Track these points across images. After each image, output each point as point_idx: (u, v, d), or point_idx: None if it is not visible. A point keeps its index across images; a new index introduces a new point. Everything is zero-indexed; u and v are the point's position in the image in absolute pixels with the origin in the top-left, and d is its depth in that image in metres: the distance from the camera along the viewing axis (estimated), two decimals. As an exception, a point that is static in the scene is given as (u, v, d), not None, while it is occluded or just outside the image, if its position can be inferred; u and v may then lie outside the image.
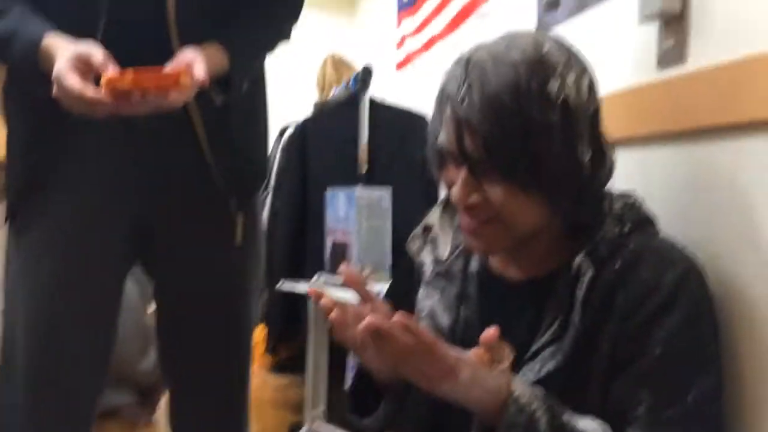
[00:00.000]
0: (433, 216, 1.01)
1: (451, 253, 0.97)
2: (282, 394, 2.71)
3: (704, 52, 0.96)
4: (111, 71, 0.95)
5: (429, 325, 0.95)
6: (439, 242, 0.98)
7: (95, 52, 0.96)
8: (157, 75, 0.96)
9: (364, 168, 2.26)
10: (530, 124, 0.77)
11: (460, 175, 0.83)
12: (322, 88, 3.19)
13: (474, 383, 0.73)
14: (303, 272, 2.23)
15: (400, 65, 2.94)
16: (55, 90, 0.95)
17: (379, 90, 2.47)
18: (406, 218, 2.25)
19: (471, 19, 2.06)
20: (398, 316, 0.71)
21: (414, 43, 2.74)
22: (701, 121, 0.94)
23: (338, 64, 3.15)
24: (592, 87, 0.83)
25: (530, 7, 1.57)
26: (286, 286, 2.16)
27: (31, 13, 1.03)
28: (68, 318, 1.10)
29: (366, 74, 2.27)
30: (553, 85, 0.78)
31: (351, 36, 4.23)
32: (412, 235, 1.02)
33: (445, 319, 0.94)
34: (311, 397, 2.13)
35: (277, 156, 2.56)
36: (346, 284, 0.83)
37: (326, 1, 4.13)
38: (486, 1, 1.95)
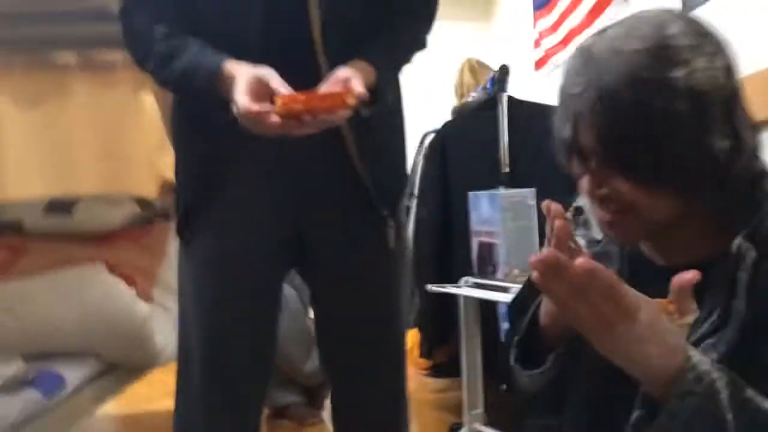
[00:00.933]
0: (583, 198, 0.99)
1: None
2: (440, 396, 2.73)
3: None
4: (284, 93, 1.02)
5: None
6: (591, 224, 0.96)
7: (271, 75, 1.04)
8: (325, 96, 1.03)
9: (506, 169, 2.24)
10: (650, 114, 0.73)
11: (586, 173, 0.80)
12: (461, 94, 3.20)
13: (652, 333, 0.66)
14: (450, 276, 2.25)
15: (539, 64, 2.90)
16: (233, 109, 1.04)
17: (519, 92, 2.45)
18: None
19: (611, 8, 2.00)
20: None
21: (551, 40, 2.69)
22: None
23: (475, 68, 3.15)
24: (728, 70, 0.76)
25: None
26: (434, 288, 2.18)
27: (204, 45, 1.11)
28: (235, 327, 1.18)
29: (503, 73, 2.25)
30: (678, 72, 0.73)
31: (487, 41, 4.23)
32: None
33: None
34: (468, 398, 2.14)
35: (420, 163, 2.60)
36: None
37: (461, 8, 4.16)
38: (625, -12, 1.89)
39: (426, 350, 2.54)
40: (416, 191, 2.57)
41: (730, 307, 0.76)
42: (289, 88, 1.03)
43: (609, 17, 2.00)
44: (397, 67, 1.22)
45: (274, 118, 1.01)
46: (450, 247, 2.36)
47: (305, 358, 2.42)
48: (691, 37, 0.75)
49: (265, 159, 1.16)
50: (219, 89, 1.06)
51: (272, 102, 1.02)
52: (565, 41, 2.50)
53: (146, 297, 1.85)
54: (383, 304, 1.25)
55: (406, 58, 1.23)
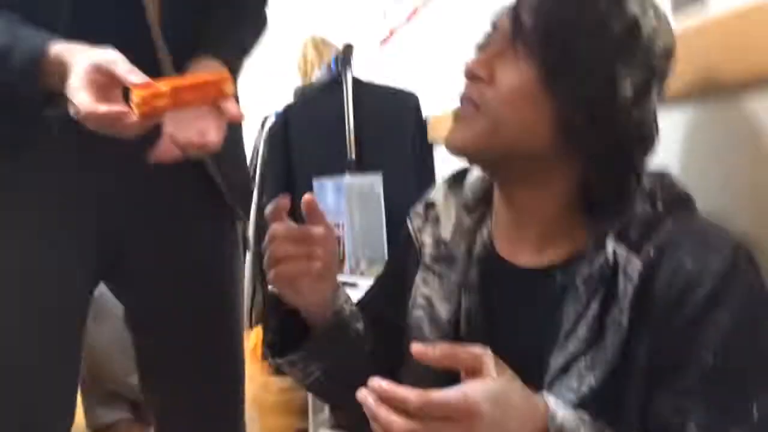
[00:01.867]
0: (438, 192, 0.89)
1: (454, 233, 0.85)
2: (285, 398, 2.62)
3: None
4: (138, 83, 0.80)
5: (425, 315, 0.84)
6: (441, 221, 0.86)
7: (116, 59, 0.82)
8: (195, 86, 0.83)
9: (352, 155, 2.13)
10: (590, 13, 0.70)
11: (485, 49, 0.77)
12: (304, 72, 3.05)
13: (502, 413, 0.58)
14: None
15: (384, 42, 2.80)
16: (72, 110, 0.82)
17: (364, 71, 2.34)
18: (399, 204, 2.15)
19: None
20: (376, 384, 0.58)
21: (396, 18, 2.60)
22: (723, 74, 0.81)
23: (319, 45, 3.01)
24: (669, 50, 0.73)
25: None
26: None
27: (20, 22, 0.88)
28: (28, 342, 0.98)
29: (347, 52, 2.13)
30: (634, 7, 0.71)
31: (331, 16, 4.09)
32: (412, 211, 0.91)
33: (443, 310, 0.82)
34: (313, 400, 2.02)
35: (260, 148, 2.43)
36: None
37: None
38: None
39: (267, 351, 2.39)
40: (257, 178, 2.41)
41: (603, 320, 0.67)
42: (141, 74, 0.81)
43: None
44: (245, 56, 1.08)
45: (132, 119, 0.80)
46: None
47: (131, 370, 2.19)
48: (655, 5, 0.74)
49: (71, 146, 0.96)
50: (44, 76, 0.84)
51: (125, 96, 0.81)
52: (409, 17, 2.41)
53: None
54: (221, 313, 1.11)
55: (252, 44, 1.10)
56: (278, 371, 2.72)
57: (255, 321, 2.35)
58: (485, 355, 0.61)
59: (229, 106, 0.89)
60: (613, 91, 0.70)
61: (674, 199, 0.72)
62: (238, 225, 1.16)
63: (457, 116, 0.76)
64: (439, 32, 2.12)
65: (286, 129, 2.23)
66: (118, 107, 0.80)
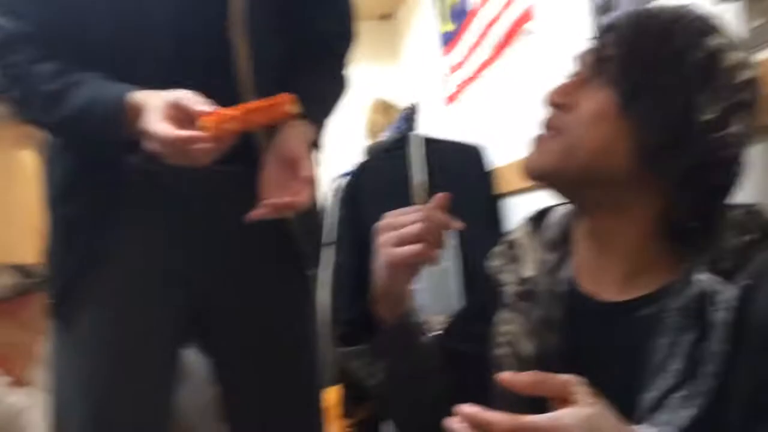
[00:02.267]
0: (519, 231, 0.90)
1: (536, 271, 0.84)
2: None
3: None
4: (207, 111, 0.86)
5: (510, 353, 0.83)
6: (523, 260, 0.86)
7: (188, 95, 0.88)
8: (261, 108, 0.87)
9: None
10: (671, 43, 0.72)
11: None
12: (373, 133, 3.12)
13: None
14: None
15: (450, 99, 2.85)
16: (147, 143, 0.88)
17: (432, 129, 2.38)
18: (470, 257, 2.14)
19: (517, 40, 1.95)
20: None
21: (461, 75, 2.64)
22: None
23: (385, 107, 3.07)
24: (753, 82, 0.73)
25: (581, 15, 1.45)
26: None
27: (104, 78, 0.95)
28: (122, 414, 1.02)
29: (412, 111, 2.17)
30: (715, 40, 0.73)
31: (397, 81, 4.19)
32: (493, 251, 0.91)
33: (528, 347, 0.81)
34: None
35: (334, 208, 2.48)
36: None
37: (368, 49, 4.10)
38: (530, 18, 1.84)
39: (348, 408, 2.38)
40: (333, 238, 2.45)
41: (698, 352, 0.65)
42: (211, 104, 0.87)
43: (516, 49, 1.96)
44: (329, 115, 1.13)
45: (207, 142, 0.85)
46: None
47: (214, 432, 2.21)
48: (738, 42, 0.75)
49: (157, 219, 1.01)
50: (125, 124, 0.90)
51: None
52: (474, 76, 2.45)
53: (22, 382, 1.63)
54: (305, 365, 1.13)
55: (336, 104, 1.15)
56: (358, 430, 2.69)
57: (330, 380, 2.35)
58: (576, 382, 0.60)
59: (303, 167, 0.94)
60: (689, 117, 0.71)
61: (765, 228, 0.70)
62: (313, 280, 1.18)
63: (535, 142, 0.78)
64: (501, 87, 2.15)
65: (357, 187, 2.28)
66: (195, 132, 0.84)
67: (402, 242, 0.77)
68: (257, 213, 0.94)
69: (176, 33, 0.97)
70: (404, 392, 0.81)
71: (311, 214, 1.12)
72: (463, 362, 0.90)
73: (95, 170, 0.97)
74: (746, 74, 0.72)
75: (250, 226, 1.01)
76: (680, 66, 0.71)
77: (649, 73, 0.72)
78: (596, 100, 0.74)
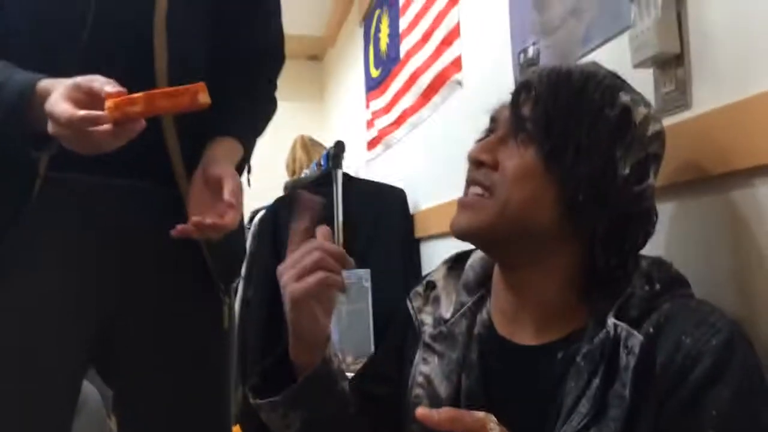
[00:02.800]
0: (438, 273, 0.91)
1: (455, 312, 0.86)
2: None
3: (708, 95, 0.88)
4: (113, 92, 0.81)
5: (425, 394, 0.84)
6: (442, 301, 0.88)
7: (93, 77, 0.84)
8: (170, 93, 0.83)
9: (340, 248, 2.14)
10: (586, 102, 0.75)
11: (488, 138, 0.80)
12: (293, 170, 3.11)
13: None
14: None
15: (372, 144, 2.88)
16: (50, 127, 0.83)
17: (353, 169, 2.39)
18: (386, 299, 2.14)
19: (443, 89, 2.00)
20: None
21: (384, 121, 2.69)
22: (712, 169, 0.85)
23: (308, 145, 3.09)
24: (659, 135, 0.79)
25: (506, 69, 1.51)
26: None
27: (12, 66, 0.91)
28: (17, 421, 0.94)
29: (338, 149, 2.19)
30: (625, 96, 0.77)
31: (321, 123, 4.22)
32: (413, 291, 0.92)
33: (443, 389, 0.82)
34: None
35: (248, 242, 2.44)
36: None
37: (294, 89, 4.14)
38: (459, 70, 1.90)
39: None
40: (243, 271, 2.40)
41: (605, 395, 0.67)
42: (118, 86, 0.83)
43: (442, 97, 2.01)
44: (258, 136, 1.13)
45: (106, 125, 0.80)
46: (279, 333, 2.19)
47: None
48: (643, 96, 0.80)
49: (67, 232, 0.96)
50: (31, 111, 0.85)
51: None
52: (398, 122, 2.50)
53: None
54: (213, 399, 1.09)
55: (265, 125, 1.16)
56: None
57: (235, 419, 2.27)
58: (489, 420, 0.61)
59: (226, 191, 0.93)
60: (612, 170, 0.74)
61: (671, 280, 0.74)
62: (226, 309, 1.15)
63: (464, 202, 0.80)
64: (426, 134, 2.20)
65: (275, 222, 2.25)
66: (94, 112, 0.80)
67: (303, 275, 0.77)
68: (181, 230, 0.91)
69: (97, 25, 0.95)
70: None
71: (231, 238, 1.10)
72: (379, 405, 0.90)
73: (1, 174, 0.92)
74: (655, 127, 0.78)
75: (165, 245, 0.99)
76: (597, 122, 0.74)
77: (567, 131, 0.74)
78: (520, 159, 0.76)
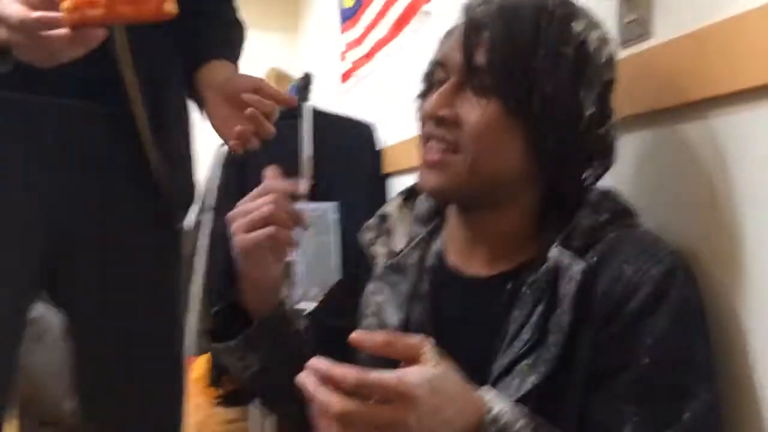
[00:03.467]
0: (392, 205, 0.91)
1: (407, 244, 0.86)
2: (230, 428, 2.54)
3: (670, 25, 0.86)
4: None
5: (375, 323, 0.84)
6: (395, 233, 0.88)
7: None
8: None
9: (307, 182, 2.13)
10: (542, 42, 0.71)
11: (440, 89, 0.75)
12: (264, 103, 3.06)
13: (439, 400, 0.58)
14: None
15: (345, 77, 2.83)
16: (2, 32, 0.77)
17: (324, 105, 2.35)
18: (353, 233, 2.14)
19: (414, 20, 1.96)
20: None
21: (357, 53, 2.63)
22: (670, 101, 0.84)
23: (279, 77, 3.01)
24: (612, 58, 0.76)
25: None
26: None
27: None
28: None
29: (306, 81, 2.15)
30: (578, 25, 0.73)
31: (294, 52, 4.13)
32: (365, 225, 0.92)
33: (393, 318, 0.83)
34: (253, 430, 1.98)
35: (218, 174, 2.41)
36: None
37: (268, 17, 4.04)
38: (428, 1, 1.85)
39: (214, 377, 2.33)
40: (213, 203, 2.38)
41: (546, 322, 0.68)
42: None
43: (413, 29, 1.97)
44: (237, 60, 1.12)
45: (62, 30, 0.74)
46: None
47: (66, 395, 2.11)
48: (591, 15, 0.77)
49: (14, 153, 0.93)
50: None
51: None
52: (369, 54, 2.45)
53: None
54: (167, 323, 1.09)
55: (240, 50, 1.14)
56: (223, 402, 2.65)
57: (202, 349, 2.29)
58: (424, 345, 0.62)
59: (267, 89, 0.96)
60: (577, 112, 0.72)
61: (618, 210, 0.74)
62: (181, 239, 1.15)
63: (430, 161, 0.76)
64: (396, 67, 2.16)
65: (243, 155, 2.22)
66: (51, 13, 0.75)
67: (253, 227, 0.76)
68: (240, 133, 0.95)
69: None
70: (279, 380, 0.79)
71: (184, 167, 1.09)
72: (337, 337, 0.90)
73: None
74: (608, 51, 0.75)
75: (117, 170, 0.96)
76: (557, 64, 0.71)
77: (529, 79, 0.71)
78: (481, 112, 0.73)
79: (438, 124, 0.75)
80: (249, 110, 0.96)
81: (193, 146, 1.15)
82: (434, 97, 0.76)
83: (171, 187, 1.04)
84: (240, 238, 0.77)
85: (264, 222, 0.76)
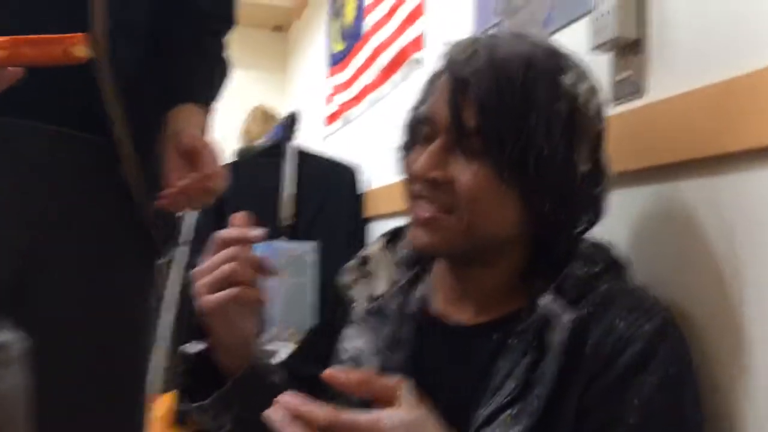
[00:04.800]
0: (374, 248, 0.88)
1: (389, 289, 0.83)
2: (191, 471, 2.44)
3: (665, 84, 0.87)
4: None
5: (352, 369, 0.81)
6: (376, 277, 0.85)
7: None
8: (40, 41, 0.72)
9: (288, 221, 2.11)
10: (534, 102, 0.68)
11: (429, 148, 0.71)
12: (247, 141, 3.05)
13: None
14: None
15: (331, 119, 2.84)
16: None
17: (308, 143, 2.36)
18: (330, 275, 2.11)
19: (404, 67, 1.97)
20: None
21: (344, 96, 2.65)
22: (663, 158, 0.85)
23: (264, 116, 3.02)
24: (600, 109, 0.74)
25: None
26: (197, 345, 1.94)
27: None
28: None
29: (292, 119, 2.14)
30: (568, 78, 0.71)
31: (282, 95, 4.15)
32: (344, 266, 0.88)
33: (372, 363, 0.80)
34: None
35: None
36: None
37: (256, 57, 4.07)
38: (419, 49, 1.87)
39: (179, 416, 2.26)
40: (190, 238, 2.34)
41: (533, 373, 0.66)
42: None
43: (402, 74, 1.98)
44: (215, 100, 1.09)
45: None
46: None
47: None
48: (580, 64, 0.75)
49: None
50: None
51: None
52: (358, 97, 2.46)
53: None
54: (133, 353, 1.04)
55: (221, 89, 1.11)
56: (186, 442, 2.56)
57: (167, 386, 2.22)
58: (401, 386, 0.59)
59: (207, 159, 0.93)
60: (573, 171, 0.70)
61: (611, 262, 0.73)
62: (159, 274, 1.12)
63: (423, 219, 0.73)
64: (383, 112, 2.17)
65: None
66: None
67: (216, 287, 0.71)
68: (169, 196, 0.92)
69: None
70: None
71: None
72: (313, 385, 0.87)
73: None
74: (596, 101, 0.73)
75: (97, 199, 0.94)
76: (550, 124, 0.69)
77: (522, 141, 0.68)
78: (473, 175, 0.70)
79: (429, 186, 0.72)
80: (182, 183, 0.93)
81: None
82: (423, 157, 0.72)
83: (154, 220, 1.01)
84: (204, 300, 0.72)
85: (227, 281, 0.71)
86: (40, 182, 0.94)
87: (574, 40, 1.03)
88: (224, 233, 0.73)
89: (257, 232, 0.73)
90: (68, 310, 0.97)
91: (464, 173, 0.70)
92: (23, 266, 0.95)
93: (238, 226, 0.74)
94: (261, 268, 0.74)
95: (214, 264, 0.72)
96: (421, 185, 0.73)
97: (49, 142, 0.94)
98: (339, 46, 2.80)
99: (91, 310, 0.98)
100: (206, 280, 0.72)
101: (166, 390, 2.20)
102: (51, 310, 0.98)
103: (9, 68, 0.72)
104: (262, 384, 0.81)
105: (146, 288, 1.08)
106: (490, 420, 0.67)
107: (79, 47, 0.72)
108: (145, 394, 1.09)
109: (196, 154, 0.96)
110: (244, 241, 0.72)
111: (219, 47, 1.13)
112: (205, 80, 1.09)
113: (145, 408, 1.09)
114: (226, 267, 0.71)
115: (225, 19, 1.14)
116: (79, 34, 0.73)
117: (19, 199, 0.93)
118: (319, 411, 0.54)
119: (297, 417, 0.54)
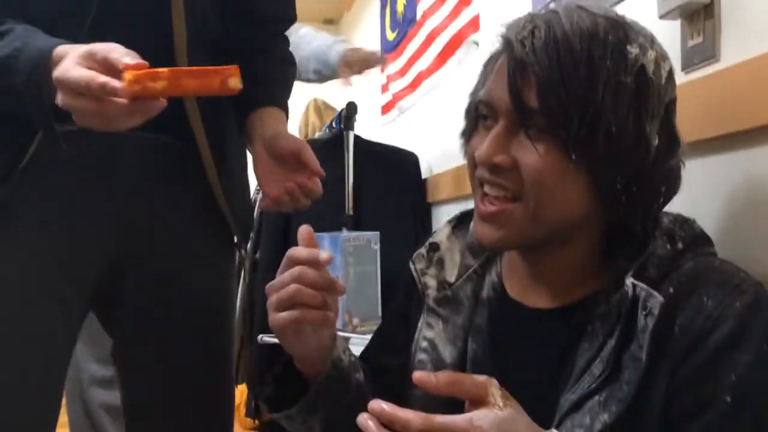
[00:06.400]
0: (442, 234, 0.87)
1: (460, 275, 0.82)
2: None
3: (738, 48, 0.83)
4: (132, 64, 0.73)
5: (429, 359, 0.81)
6: (446, 263, 0.84)
7: (112, 46, 0.75)
8: (199, 72, 0.75)
9: (350, 211, 2.12)
10: (599, 76, 0.65)
11: (491, 133, 0.69)
12: (305, 134, 3.08)
13: None
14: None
15: (385, 109, 2.84)
16: (59, 98, 0.76)
17: (367, 133, 2.36)
18: (395, 264, 2.12)
19: (460, 50, 1.95)
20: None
21: (399, 84, 2.64)
22: (741, 124, 0.81)
23: (320, 108, 3.05)
24: (671, 75, 0.70)
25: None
26: (267, 338, 1.97)
27: (35, 30, 0.84)
28: (5, 390, 0.91)
29: (350, 110, 2.15)
30: (633, 48, 0.67)
31: (336, 88, 4.16)
32: (416, 253, 0.87)
33: (447, 353, 0.80)
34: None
35: (258, 202, 2.42)
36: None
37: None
38: (476, 30, 1.85)
39: (253, 408, 2.31)
40: (253, 232, 2.38)
41: (620, 357, 0.64)
42: (139, 57, 0.75)
43: (458, 59, 1.96)
44: (288, 100, 1.12)
45: (124, 96, 0.72)
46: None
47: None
48: (646, 32, 0.70)
49: (81, 180, 0.94)
50: (47, 78, 0.77)
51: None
52: (413, 85, 2.45)
53: None
54: (218, 350, 1.06)
55: (291, 88, 1.14)
56: (261, 430, 2.62)
57: (241, 379, 2.28)
58: (490, 384, 0.59)
59: (311, 161, 0.97)
60: (645, 146, 0.67)
61: (694, 238, 0.70)
62: (238, 266, 1.15)
63: (487, 214, 0.71)
64: (441, 97, 2.15)
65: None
66: (112, 80, 0.72)
67: (282, 306, 0.73)
68: (274, 197, 0.96)
69: None
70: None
71: (240, 194, 1.08)
72: (391, 376, 0.87)
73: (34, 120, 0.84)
74: (666, 68, 0.70)
75: (180, 199, 0.96)
76: (618, 97, 0.65)
77: (589, 117, 0.65)
78: (540, 157, 0.67)
79: (493, 171, 0.70)
80: (290, 185, 0.98)
81: (246, 175, 1.15)
82: (486, 142, 0.70)
83: (234, 219, 1.03)
84: (272, 318, 0.73)
85: (292, 301, 0.72)
86: (132, 188, 0.97)
87: (640, 9, 1.00)
88: (295, 252, 0.73)
89: (325, 255, 0.73)
90: (156, 308, 1.00)
91: (529, 156, 0.67)
92: (120, 267, 0.98)
93: (305, 239, 0.75)
94: (331, 288, 0.74)
95: (281, 283, 0.73)
96: (484, 170, 0.71)
97: (138, 148, 0.97)
98: (392, 35, 2.79)
99: (178, 310, 1.01)
100: (273, 298, 0.73)
101: (237, 382, 2.26)
102: (142, 306, 1.01)
103: (161, 99, 0.75)
104: (344, 386, 0.81)
105: (231, 279, 1.10)
106: (577, 406, 0.65)
107: (234, 79, 0.75)
108: (233, 381, 1.13)
109: (298, 156, 0.97)
110: (314, 265, 0.72)
111: (287, 47, 1.15)
112: (283, 83, 1.11)
113: (231, 406, 1.12)
114: (291, 288, 0.72)
115: (288, 20, 1.16)
116: (234, 66, 0.76)
117: (112, 204, 0.96)
118: (413, 416, 0.54)
119: (389, 423, 0.54)
